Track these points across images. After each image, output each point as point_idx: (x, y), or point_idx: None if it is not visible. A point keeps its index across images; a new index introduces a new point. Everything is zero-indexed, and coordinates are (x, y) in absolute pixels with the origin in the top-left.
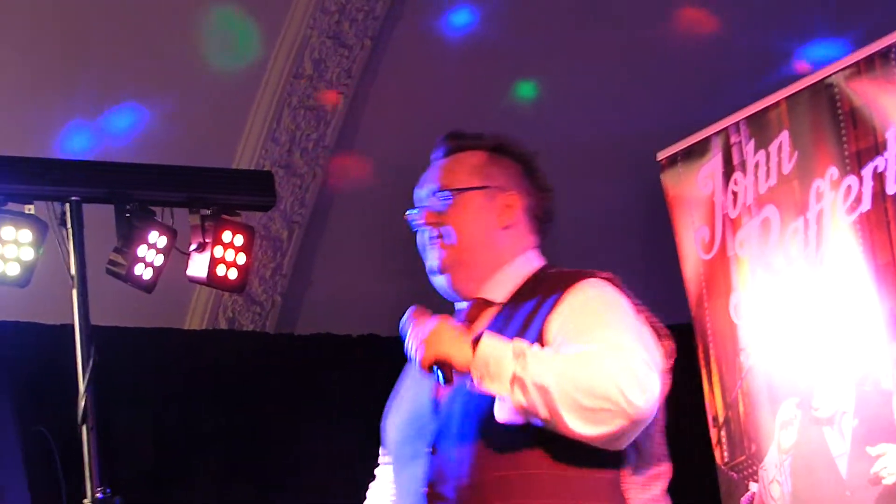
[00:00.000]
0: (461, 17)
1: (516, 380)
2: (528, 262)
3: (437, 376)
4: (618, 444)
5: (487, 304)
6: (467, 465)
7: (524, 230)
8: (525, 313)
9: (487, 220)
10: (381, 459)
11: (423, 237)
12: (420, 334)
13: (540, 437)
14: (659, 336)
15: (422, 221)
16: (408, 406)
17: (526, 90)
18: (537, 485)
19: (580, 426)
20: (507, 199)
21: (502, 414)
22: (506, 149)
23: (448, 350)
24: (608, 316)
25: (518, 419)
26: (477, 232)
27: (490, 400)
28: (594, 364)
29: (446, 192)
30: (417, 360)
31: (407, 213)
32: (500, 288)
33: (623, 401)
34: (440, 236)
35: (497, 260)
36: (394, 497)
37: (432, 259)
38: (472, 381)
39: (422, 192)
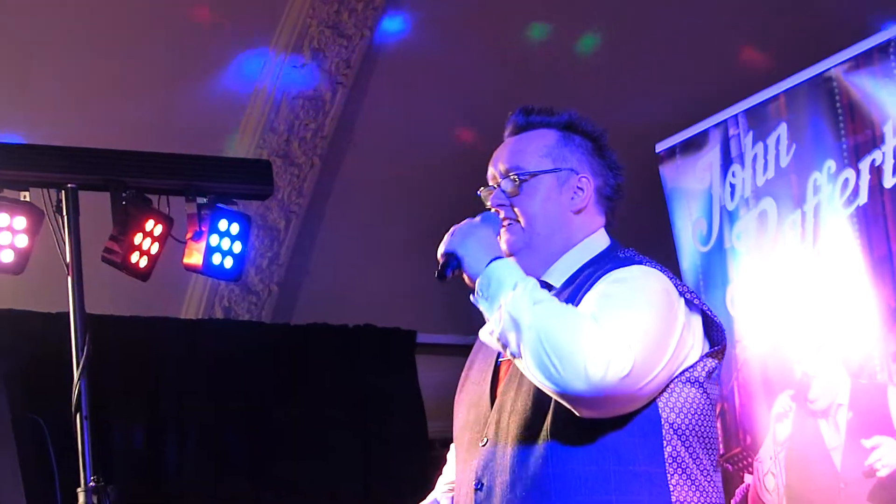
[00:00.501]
0: None
1: (500, 308)
2: (593, 244)
3: (442, 264)
4: (581, 409)
5: (547, 285)
6: (511, 460)
7: (594, 211)
8: (572, 295)
9: (558, 205)
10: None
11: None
12: (462, 224)
13: (583, 436)
14: (710, 332)
15: (492, 204)
16: (470, 393)
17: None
18: (577, 481)
19: (537, 374)
20: (578, 182)
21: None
22: (577, 127)
23: (466, 252)
24: (625, 297)
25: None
26: (548, 217)
27: (541, 395)
28: (573, 325)
29: (516, 175)
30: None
31: (479, 190)
32: (562, 272)
33: (581, 368)
34: (510, 219)
35: (566, 243)
36: (454, 480)
37: (502, 241)
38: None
39: (493, 171)
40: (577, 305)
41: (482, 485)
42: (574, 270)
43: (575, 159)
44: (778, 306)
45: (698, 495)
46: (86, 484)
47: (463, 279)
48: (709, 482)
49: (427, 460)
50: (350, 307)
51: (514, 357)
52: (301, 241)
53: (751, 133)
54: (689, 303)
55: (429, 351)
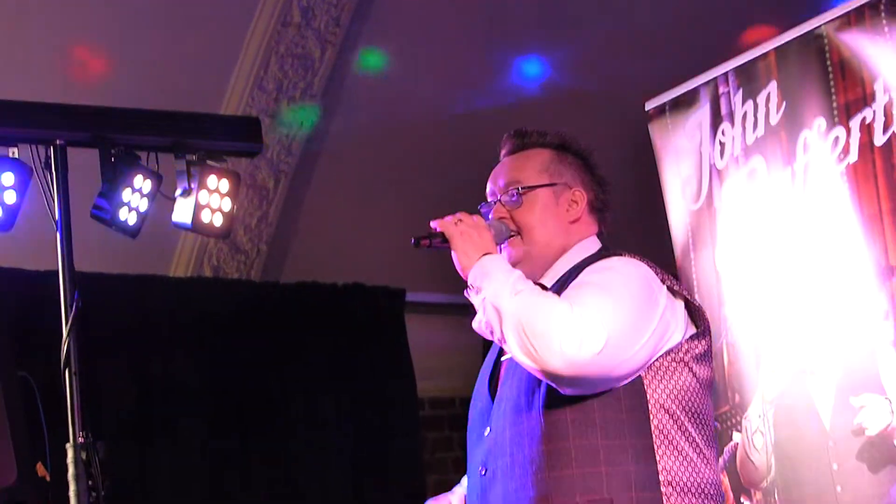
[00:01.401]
0: None
1: (485, 299)
2: (584, 249)
3: (427, 234)
4: (563, 387)
5: (541, 286)
6: (509, 443)
7: (588, 221)
8: (560, 291)
9: (556, 216)
10: None
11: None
12: (465, 217)
13: (573, 416)
14: (693, 316)
15: (494, 217)
16: (477, 393)
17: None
18: (568, 456)
19: (520, 356)
20: (573, 196)
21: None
22: (568, 146)
23: (461, 246)
24: (600, 282)
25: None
26: (546, 227)
27: (532, 381)
28: (548, 309)
29: (516, 189)
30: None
31: (480, 206)
32: (555, 274)
33: (557, 347)
34: (511, 231)
35: (561, 251)
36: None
37: (504, 254)
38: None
39: (492, 187)
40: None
41: (487, 469)
42: (565, 272)
43: (569, 175)
44: (767, 265)
45: (688, 469)
46: (74, 440)
47: (436, 251)
48: (700, 458)
49: (416, 419)
50: (339, 266)
51: (501, 344)
52: (290, 200)
53: (741, 91)
54: (670, 289)
55: (418, 310)
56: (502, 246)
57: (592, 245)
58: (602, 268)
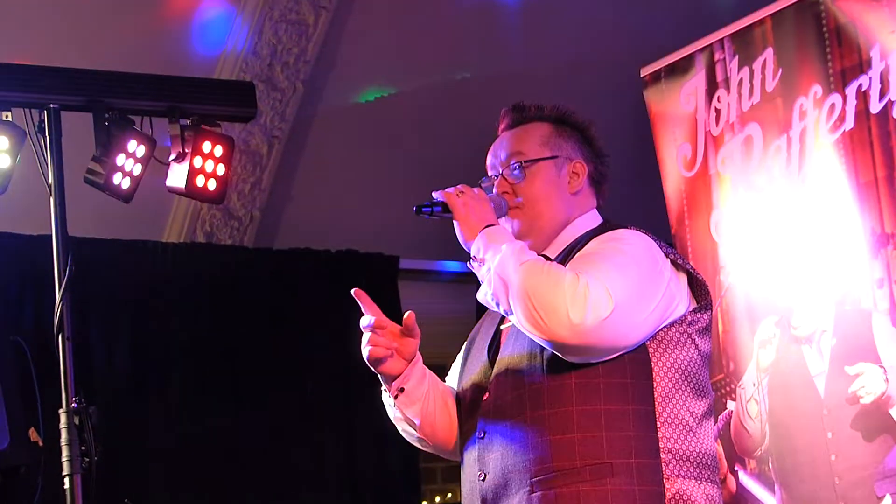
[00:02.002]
0: None
1: (490, 270)
2: (587, 222)
3: (429, 204)
4: (569, 356)
5: (545, 257)
6: (510, 407)
7: (588, 193)
8: (564, 262)
9: (558, 188)
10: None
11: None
12: (467, 189)
13: (575, 381)
14: (696, 290)
15: (497, 191)
16: (474, 358)
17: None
18: (570, 420)
19: (527, 326)
20: (573, 167)
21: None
22: (567, 119)
23: (463, 218)
24: (607, 251)
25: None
26: (549, 199)
27: (535, 346)
28: (554, 279)
29: (518, 163)
30: (446, 191)
31: (481, 180)
32: (559, 244)
33: (564, 315)
34: (514, 205)
35: (564, 223)
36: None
37: (508, 227)
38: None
39: (494, 161)
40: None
41: (485, 433)
42: (569, 244)
43: (569, 147)
44: (762, 232)
45: (687, 439)
46: (67, 405)
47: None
48: (699, 428)
49: None
50: (332, 233)
51: (508, 315)
52: (283, 166)
53: (736, 58)
54: (674, 263)
55: (411, 277)
56: (503, 220)
57: (594, 219)
58: (608, 238)
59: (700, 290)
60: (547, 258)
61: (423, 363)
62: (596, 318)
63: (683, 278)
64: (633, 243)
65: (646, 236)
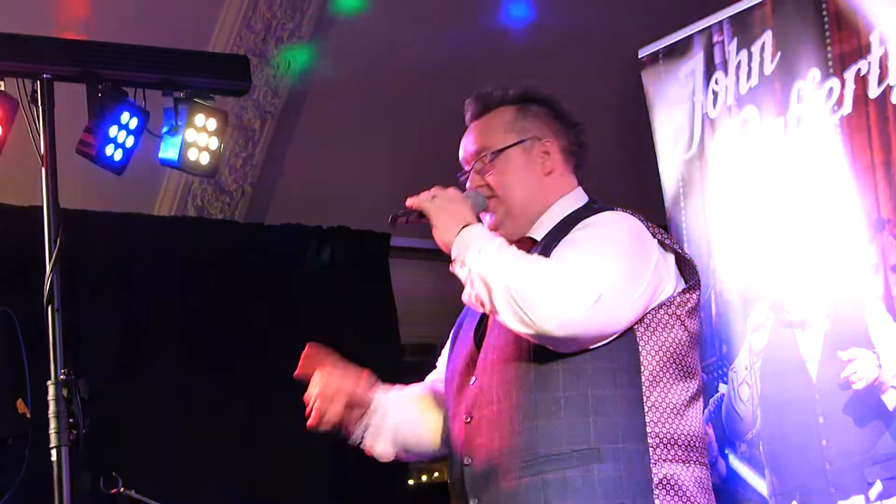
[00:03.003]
0: None
1: (471, 272)
2: (571, 202)
3: (403, 212)
4: (560, 347)
5: (532, 240)
6: (497, 392)
7: (564, 170)
8: (552, 246)
9: (530, 172)
10: (432, 376)
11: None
12: (440, 192)
13: (563, 365)
14: (683, 270)
15: (471, 186)
16: (460, 343)
17: None
18: (557, 405)
19: (514, 324)
20: (543, 147)
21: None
22: (531, 97)
23: (439, 221)
24: (590, 238)
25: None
26: (522, 184)
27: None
28: (535, 272)
29: (486, 155)
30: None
31: (458, 176)
32: (542, 227)
33: (549, 309)
34: (490, 196)
35: (543, 204)
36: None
37: (486, 221)
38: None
39: (465, 156)
40: (552, 254)
41: (471, 417)
42: (554, 225)
43: (535, 127)
44: (758, 215)
45: (675, 422)
46: (56, 377)
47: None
48: (687, 411)
49: (399, 365)
50: (324, 209)
51: (493, 315)
52: (276, 141)
53: (735, 40)
54: (661, 243)
55: (402, 255)
56: (484, 214)
57: (578, 198)
58: (591, 223)
59: (688, 270)
60: (533, 241)
61: (414, 342)
62: (582, 308)
63: (671, 259)
64: (618, 227)
65: (632, 217)
